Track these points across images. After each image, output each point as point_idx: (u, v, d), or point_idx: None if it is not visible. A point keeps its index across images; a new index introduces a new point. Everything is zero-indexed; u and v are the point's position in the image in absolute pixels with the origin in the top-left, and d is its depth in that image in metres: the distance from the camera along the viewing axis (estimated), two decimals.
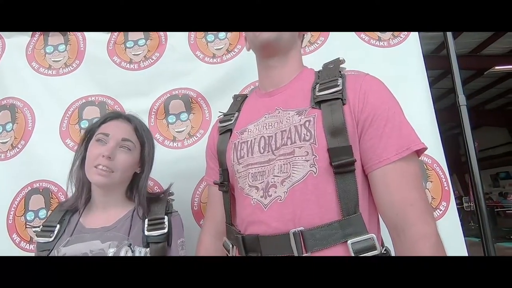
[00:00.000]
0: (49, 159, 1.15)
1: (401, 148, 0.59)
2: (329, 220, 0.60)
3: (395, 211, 0.59)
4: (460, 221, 1.03)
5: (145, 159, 0.88)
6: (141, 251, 0.78)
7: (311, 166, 0.62)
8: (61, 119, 1.20)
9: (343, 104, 0.63)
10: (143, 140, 0.88)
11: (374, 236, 0.59)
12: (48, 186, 1.14)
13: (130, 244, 0.78)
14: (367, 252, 0.58)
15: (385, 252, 0.62)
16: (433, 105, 1.12)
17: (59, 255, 0.77)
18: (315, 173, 0.62)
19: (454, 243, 0.98)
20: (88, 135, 0.88)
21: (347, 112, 0.63)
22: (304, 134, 0.64)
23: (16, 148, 1.18)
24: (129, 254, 0.77)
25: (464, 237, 1.01)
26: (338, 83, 0.66)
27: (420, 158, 1.04)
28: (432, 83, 6.96)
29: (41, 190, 1.14)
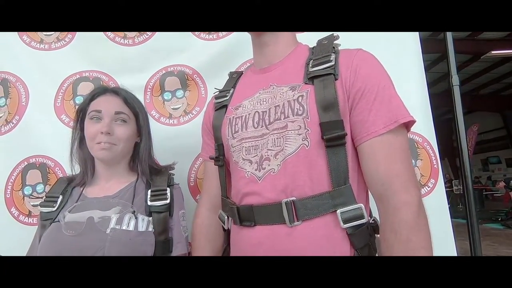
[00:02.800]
0: (45, 134, 1.15)
1: (389, 121, 0.61)
2: (320, 191, 0.62)
3: (380, 182, 0.61)
4: (450, 204, 1.08)
5: (141, 128, 0.90)
6: (144, 219, 0.81)
7: (304, 139, 0.64)
8: (55, 94, 1.19)
9: (335, 79, 0.65)
10: (136, 110, 0.89)
11: (363, 206, 0.62)
12: (44, 161, 1.14)
13: (134, 211, 0.80)
14: (356, 221, 0.61)
15: (372, 222, 0.66)
16: (427, 86, 1.13)
17: (65, 220, 0.79)
18: (307, 146, 0.64)
19: (440, 218, 1.03)
20: (81, 114, 0.89)
21: (339, 87, 0.64)
22: (297, 108, 0.66)
23: (11, 124, 1.17)
24: (133, 220, 0.79)
25: (451, 217, 1.06)
26: (331, 59, 0.67)
27: (411, 136, 1.09)
28: (429, 66, 6.95)
29: (37, 165, 1.14)
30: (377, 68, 0.67)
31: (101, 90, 0.89)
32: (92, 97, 0.88)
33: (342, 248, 0.61)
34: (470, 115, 11.10)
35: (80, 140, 0.90)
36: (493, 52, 6.64)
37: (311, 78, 0.67)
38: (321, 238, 0.61)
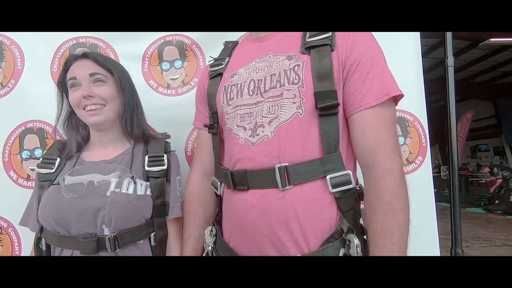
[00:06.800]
0: (42, 99, 1.15)
1: (380, 94, 0.65)
2: (311, 157, 0.66)
3: (367, 151, 0.66)
4: (437, 188, 1.13)
5: (120, 85, 0.88)
6: (142, 184, 0.84)
7: (298, 108, 0.67)
8: (51, 59, 1.18)
9: (332, 50, 0.67)
10: (109, 68, 0.88)
11: (350, 172, 0.66)
12: (42, 127, 1.15)
13: (133, 177, 0.83)
14: (343, 186, 0.66)
15: (358, 188, 0.70)
16: (423, 69, 1.15)
17: (64, 183, 0.82)
18: (301, 115, 0.67)
19: (425, 193, 1.09)
20: (61, 88, 0.90)
21: (334, 58, 0.66)
22: (293, 77, 0.68)
23: (6, 87, 1.16)
24: (132, 185, 0.82)
25: (437, 200, 1.12)
26: None
27: (403, 115, 1.13)
28: (427, 52, 6.89)
29: (35, 130, 1.15)
30: (372, 43, 0.69)
31: (72, 58, 0.89)
32: (65, 67, 0.89)
33: (330, 210, 0.66)
34: (464, 102, 11.19)
35: (69, 114, 0.92)
36: (491, 39, 6.60)
37: (307, 48, 0.69)
38: (311, 201, 0.66)
